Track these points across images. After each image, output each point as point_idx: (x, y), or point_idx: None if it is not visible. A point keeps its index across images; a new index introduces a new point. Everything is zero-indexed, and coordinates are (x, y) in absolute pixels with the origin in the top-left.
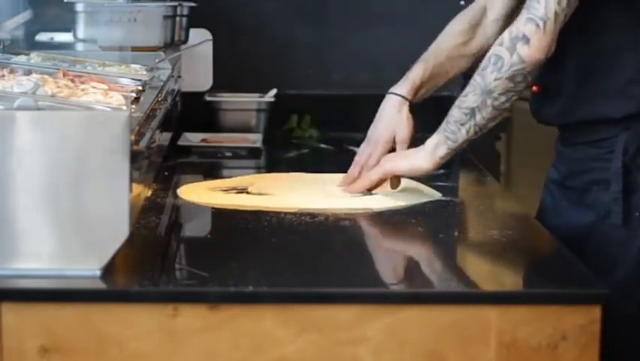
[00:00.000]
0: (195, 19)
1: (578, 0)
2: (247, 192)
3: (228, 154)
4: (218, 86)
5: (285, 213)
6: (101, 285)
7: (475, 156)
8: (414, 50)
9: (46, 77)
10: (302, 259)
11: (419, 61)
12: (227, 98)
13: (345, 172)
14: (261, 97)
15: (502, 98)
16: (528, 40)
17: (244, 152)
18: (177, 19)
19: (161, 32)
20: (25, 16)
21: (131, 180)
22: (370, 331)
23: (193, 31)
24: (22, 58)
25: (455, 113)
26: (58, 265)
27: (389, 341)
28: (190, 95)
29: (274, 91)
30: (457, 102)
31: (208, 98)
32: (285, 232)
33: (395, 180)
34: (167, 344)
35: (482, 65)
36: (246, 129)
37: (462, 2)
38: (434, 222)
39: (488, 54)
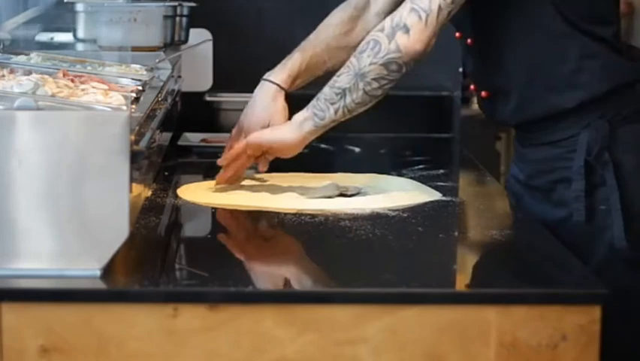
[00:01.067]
0: (195, 19)
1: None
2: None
3: None
4: (218, 86)
5: (285, 214)
6: (101, 285)
7: (475, 156)
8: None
9: (46, 77)
10: (302, 259)
11: (297, 50)
12: (227, 98)
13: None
14: None
15: (375, 84)
16: (408, 30)
17: None
18: (177, 19)
19: (161, 32)
20: (25, 16)
21: (131, 180)
22: (370, 331)
23: (193, 31)
24: (22, 58)
25: (327, 91)
26: (58, 265)
27: (389, 341)
28: (190, 95)
29: None
30: (331, 81)
31: (208, 98)
32: (285, 232)
33: (263, 160)
34: (167, 344)
35: (360, 47)
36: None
37: None
38: (434, 222)
39: (367, 38)
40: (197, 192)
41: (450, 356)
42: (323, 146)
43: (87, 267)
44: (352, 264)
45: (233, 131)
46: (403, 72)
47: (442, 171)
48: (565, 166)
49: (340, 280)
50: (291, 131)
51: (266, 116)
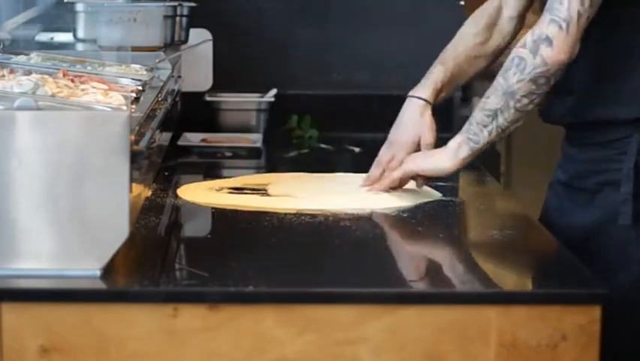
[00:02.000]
0: (195, 19)
1: (600, 1)
2: (265, 193)
3: (228, 154)
4: (218, 86)
5: (285, 214)
6: (101, 285)
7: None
8: (414, 50)
9: (46, 77)
10: (302, 259)
11: (437, 63)
12: (227, 98)
13: (359, 172)
14: (261, 97)
15: (525, 101)
16: (551, 42)
17: (244, 152)
18: (177, 19)
19: (161, 32)
20: (25, 16)
21: (131, 180)
22: (370, 331)
23: (193, 31)
24: (22, 58)
25: (477, 114)
26: (58, 265)
27: (389, 341)
28: (190, 95)
29: (274, 91)
30: (480, 104)
31: (208, 98)
32: (285, 232)
33: (420, 179)
34: (167, 344)
35: (505, 66)
36: (246, 129)
37: (461, 2)
38: (434, 223)
39: (511, 56)
40: (197, 192)
41: (450, 356)
42: (323, 146)
43: (87, 267)
44: (352, 264)
45: (383, 148)
46: (551, 84)
47: None
48: (614, 168)
49: (340, 280)
50: (448, 159)
51: (415, 133)
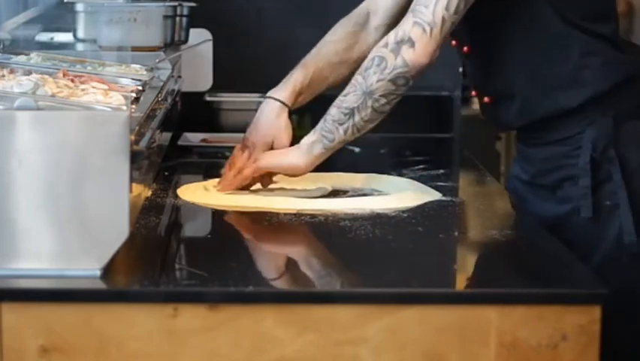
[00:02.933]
0: (195, 19)
1: (466, 8)
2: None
3: (228, 154)
4: (218, 86)
5: (285, 214)
6: (101, 285)
7: (475, 156)
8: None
9: (46, 77)
10: (302, 259)
11: (299, 66)
12: (227, 98)
13: (359, 172)
14: (261, 97)
15: (383, 100)
16: (413, 44)
17: None
18: (177, 19)
19: (161, 32)
20: (25, 16)
21: (131, 180)
22: (370, 331)
23: (193, 31)
24: (22, 58)
25: (334, 112)
26: (58, 265)
27: (389, 341)
28: (190, 95)
29: None
30: (337, 102)
31: (208, 98)
32: (285, 232)
33: (267, 178)
34: (167, 344)
35: (364, 65)
36: (246, 129)
37: None
38: (434, 222)
39: (371, 55)
40: (196, 193)
41: (450, 356)
42: None
43: (87, 267)
44: (352, 264)
45: (237, 147)
46: (409, 85)
47: (442, 171)
48: (571, 164)
49: (340, 280)
50: (301, 156)
51: (270, 134)
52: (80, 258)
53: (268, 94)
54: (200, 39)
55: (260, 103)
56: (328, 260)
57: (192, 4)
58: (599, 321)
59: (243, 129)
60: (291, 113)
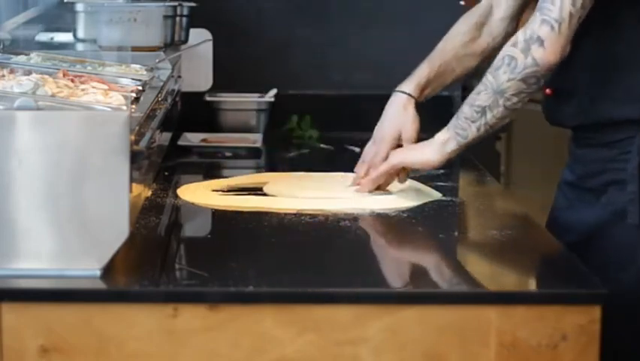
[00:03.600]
0: (195, 19)
1: (592, 1)
2: (261, 192)
3: (228, 154)
4: (218, 86)
5: (285, 213)
6: (101, 285)
7: (475, 156)
8: (414, 50)
9: (46, 77)
10: (302, 259)
11: (426, 60)
12: (227, 98)
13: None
14: (261, 97)
15: (514, 99)
16: (542, 42)
17: (244, 152)
18: (177, 19)
19: (161, 32)
20: (25, 16)
21: (131, 180)
22: (370, 331)
23: (193, 31)
24: (22, 58)
25: (466, 110)
26: (58, 265)
27: (389, 341)
28: (190, 95)
29: (274, 91)
30: (469, 99)
31: (208, 98)
32: (285, 232)
33: (403, 173)
34: (167, 344)
35: (495, 64)
36: (246, 129)
37: (462, 2)
38: (434, 222)
39: (501, 54)
40: (196, 193)
41: (450, 356)
42: (323, 146)
43: (87, 267)
44: (352, 264)
45: (368, 145)
46: (541, 84)
47: (442, 171)
48: (619, 168)
49: (340, 280)
50: (435, 152)
51: (397, 125)
52: (80, 258)
53: (395, 89)
54: (200, 39)
55: (260, 102)
56: (328, 260)
57: (192, 4)
58: (599, 321)
59: (243, 129)
60: (418, 106)
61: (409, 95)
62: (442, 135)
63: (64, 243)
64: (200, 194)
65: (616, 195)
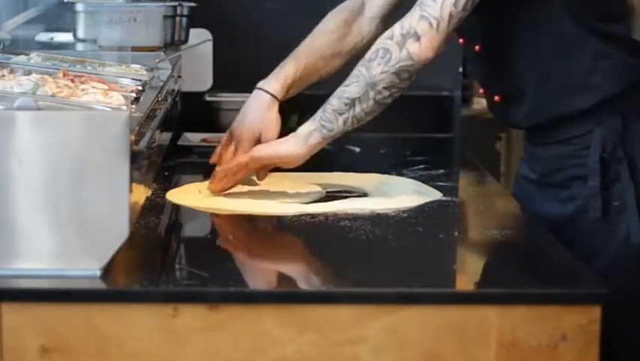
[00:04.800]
0: (195, 19)
1: (473, 6)
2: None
3: None
4: (218, 86)
5: (285, 214)
6: (101, 285)
7: (475, 156)
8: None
9: (46, 77)
10: (302, 259)
11: (290, 57)
12: (227, 98)
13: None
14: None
15: (386, 93)
16: (419, 37)
17: None
18: (177, 19)
19: (161, 32)
20: (25, 16)
21: (131, 180)
22: (370, 331)
23: (193, 31)
24: (22, 58)
25: (334, 102)
26: (58, 265)
27: (389, 341)
28: (190, 95)
29: None
30: (338, 92)
31: (208, 98)
32: (285, 232)
33: (263, 172)
34: (167, 344)
35: (368, 56)
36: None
37: None
38: (434, 222)
39: (375, 46)
40: (185, 196)
41: (450, 356)
42: None
43: (87, 267)
44: (352, 264)
45: (224, 137)
46: (412, 80)
47: (442, 171)
48: (579, 163)
49: (340, 280)
50: (297, 145)
51: (258, 127)
52: (80, 258)
53: (258, 85)
54: (200, 39)
55: None
56: (328, 260)
57: (192, 4)
58: (599, 321)
59: None
60: (281, 107)
61: (273, 95)
62: (306, 128)
63: (64, 243)
64: (189, 197)
65: (579, 190)
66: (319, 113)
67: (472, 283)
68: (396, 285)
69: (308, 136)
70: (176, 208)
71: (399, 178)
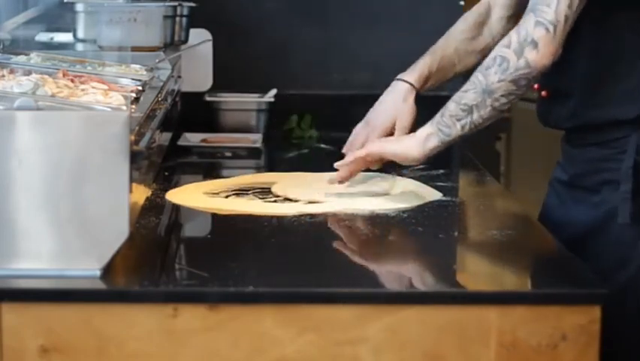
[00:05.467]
0: (195, 19)
1: (582, 4)
2: (271, 192)
3: (228, 154)
4: (218, 86)
5: (285, 214)
6: (101, 285)
7: (475, 156)
8: (414, 50)
9: (46, 77)
10: (302, 259)
11: (428, 52)
12: (227, 98)
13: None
14: (260, 97)
15: (503, 100)
16: (536, 44)
17: (244, 152)
18: (177, 19)
19: (161, 32)
20: (25, 16)
21: (131, 180)
22: (370, 331)
23: (193, 31)
24: (22, 58)
25: (452, 107)
26: (58, 265)
27: (389, 341)
28: (190, 95)
29: (274, 91)
30: (456, 97)
31: (208, 98)
32: (285, 232)
33: (378, 163)
34: (167, 344)
35: (486, 63)
36: (246, 129)
37: (461, 2)
38: (434, 222)
39: (493, 54)
40: (185, 196)
41: (450, 356)
42: (323, 146)
43: (87, 267)
44: (352, 264)
45: (359, 124)
46: (530, 85)
47: (442, 171)
48: (613, 168)
49: (340, 280)
50: (415, 147)
51: (393, 114)
52: (80, 258)
53: (397, 77)
54: (200, 39)
55: (260, 102)
56: (328, 260)
57: (192, 4)
58: (599, 321)
59: (243, 129)
60: (417, 97)
61: (412, 84)
62: (424, 131)
63: (64, 243)
64: (188, 198)
65: (610, 195)
66: (437, 117)
67: (472, 283)
68: (396, 285)
69: (426, 139)
70: (176, 208)
71: (399, 178)
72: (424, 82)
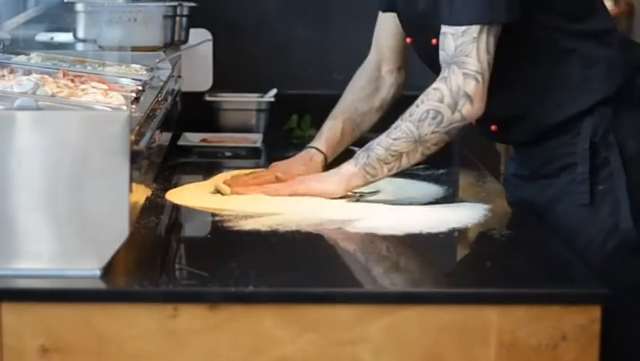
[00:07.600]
0: (195, 19)
1: (498, 38)
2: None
3: (228, 154)
4: (218, 86)
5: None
6: (101, 285)
7: (475, 156)
8: (413, 50)
9: (46, 77)
10: (302, 259)
11: (328, 119)
12: (227, 98)
13: None
14: (260, 97)
15: (434, 148)
16: (470, 98)
17: (244, 152)
18: (177, 19)
19: (161, 32)
20: (26, 16)
21: (131, 180)
22: (370, 331)
23: (193, 31)
24: (22, 58)
25: (381, 152)
26: (58, 265)
27: (389, 341)
28: (190, 95)
29: (274, 91)
30: (384, 143)
31: (208, 98)
32: (285, 231)
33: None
34: (167, 344)
35: (417, 116)
36: (246, 129)
37: None
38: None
39: (425, 107)
40: (185, 196)
41: (450, 356)
42: None
43: (87, 267)
44: (352, 264)
45: (269, 171)
46: (462, 131)
47: (442, 171)
48: (569, 152)
49: (340, 280)
50: (338, 184)
51: (303, 170)
52: (80, 258)
53: (308, 145)
54: (200, 39)
55: (260, 102)
56: (328, 260)
57: (192, 4)
58: (599, 321)
59: (243, 129)
60: (326, 162)
61: (318, 149)
62: (348, 169)
63: (64, 243)
64: (187, 197)
65: (568, 177)
66: (362, 158)
67: (472, 283)
68: (397, 285)
69: (349, 178)
70: (176, 208)
71: (402, 179)
72: (333, 149)
